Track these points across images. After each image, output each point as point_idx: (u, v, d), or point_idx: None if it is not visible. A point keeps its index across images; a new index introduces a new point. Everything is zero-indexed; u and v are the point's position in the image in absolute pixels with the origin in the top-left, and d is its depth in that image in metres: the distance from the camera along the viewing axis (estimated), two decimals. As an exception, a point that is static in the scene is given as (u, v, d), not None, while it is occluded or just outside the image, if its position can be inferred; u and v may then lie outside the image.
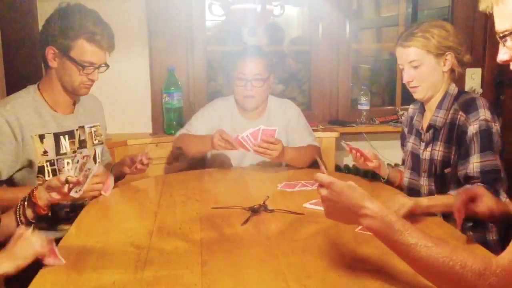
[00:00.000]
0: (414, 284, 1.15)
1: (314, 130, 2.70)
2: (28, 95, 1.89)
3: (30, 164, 1.84)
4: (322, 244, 1.44)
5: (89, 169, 1.50)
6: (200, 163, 2.61)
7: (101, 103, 2.19)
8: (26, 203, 1.47)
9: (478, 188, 1.50)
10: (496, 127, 1.74)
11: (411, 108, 2.11)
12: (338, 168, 3.00)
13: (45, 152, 1.86)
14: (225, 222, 1.62)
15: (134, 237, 1.49)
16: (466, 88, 3.04)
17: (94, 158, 2.05)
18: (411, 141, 2.02)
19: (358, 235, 1.48)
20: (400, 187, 2.04)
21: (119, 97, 2.86)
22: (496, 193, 1.64)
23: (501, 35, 1.00)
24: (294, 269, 1.27)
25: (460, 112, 1.79)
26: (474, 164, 1.72)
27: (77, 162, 1.48)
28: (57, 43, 1.84)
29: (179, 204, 1.83)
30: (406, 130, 2.11)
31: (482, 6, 1.03)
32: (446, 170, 1.83)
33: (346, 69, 3.18)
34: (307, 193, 1.94)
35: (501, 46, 1.03)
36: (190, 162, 2.68)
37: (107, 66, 1.93)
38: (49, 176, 1.84)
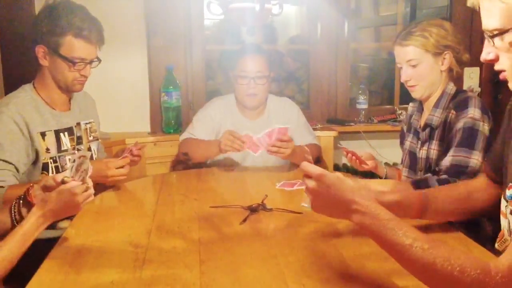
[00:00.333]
0: (413, 283, 1.15)
1: (313, 129, 2.70)
2: (26, 94, 1.89)
3: (35, 161, 1.84)
4: (320, 243, 1.43)
5: (86, 169, 1.50)
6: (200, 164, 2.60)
7: (93, 100, 2.20)
8: (21, 201, 1.47)
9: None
10: (483, 126, 1.74)
11: (410, 106, 2.11)
12: (336, 167, 3.00)
13: (47, 149, 1.86)
14: (224, 221, 1.62)
15: (133, 236, 1.49)
16: (465, 87, 3.05)
17: (91, 157, 2.05)
18: (409, 140, 2.02)
19: (355, 235, 1.48)
20: None
21: (117, 96, 2.86)
22: None
23: (489, 33, 0.99)
24: (293, 268, 1.27)
25: (452, 110, 1.80)
26: (447, 157, 1.73)
27: (74, 161, 1.48)
28: (46, 41, 1.84)
29: (178, 203, 1.83)
30: (405, 128, 2.11)
31: (469, 2, 1.02)
32: (437, 168, 1.83)
33: (345, 68, 3.18)
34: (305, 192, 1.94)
35: (486, 43, 1.02)
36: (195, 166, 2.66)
37: (99, 60, 1.92)
38: (53, 173, 1.84)
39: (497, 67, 1.04)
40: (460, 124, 1.74)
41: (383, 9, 4.61)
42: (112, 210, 1.78)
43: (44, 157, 1.85)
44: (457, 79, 1.97)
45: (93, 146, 2.08)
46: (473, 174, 1.69)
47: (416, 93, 1.89)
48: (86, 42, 1.86)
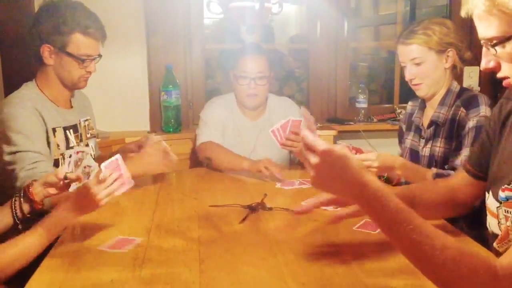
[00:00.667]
0: (412, 283, 1.16)
1: (313, 128, 2.69)
2: (31, 91, 1.88)
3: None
4: (320, 242, 1.44)
5: (89, 166, 1.50)
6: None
7: (88, 97, 2.20)
8: (22, 198, 1.47)
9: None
10: None
11: (409, 105, 2.11)
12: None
13: (57, 146, 1.87)
14: (223, 220, 1.62)
15: (132, 235, 1.49)
16: (464, 86, 3.05)
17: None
18: (409, 138, 2.02)
19: (356, 233, 1.48)
20: (398, 185, 2.04)
21: (117, 95, 2.86)
22: None
23: (489, 42, 0.98)
24: (292, 267, 1.27)
25: (462, 108, 1.80)
26: (463, 156, 1.73)
27: (70, 157, 1.48)
28: (52, 40, 1.84)
29: (177, 202, 1.83)
30: (404, 127, 2.11)
31: (464, 11, 1.01)
32: (446, 167, 1.83)
33: (344, 67, 3.18)
34: (305, 191, 1.94)
35: (485, 51, 1.01)
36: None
37: (100, 56, 1.93)
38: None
39: (500, 75, 1.03)
40: (472, 123, 1.75)
41: (383, 8, 4.61)
42: (111, 209, 1.78)
43: (55, 153, 1.85)
44: (457, 79, 1.97)
45: (91, 143, 2.09)
46: None
47: (421, 92, 1.89)
48: (93, 39, 1.87)
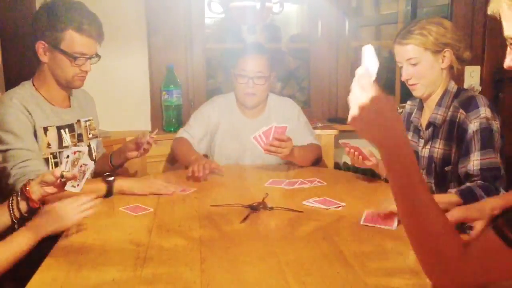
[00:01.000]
0: (414, 282, 1.16)
1: (313, 128, 2.70)
2: (26, 90, 1.89)
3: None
4: (321, 241, 1.44)
5: (85, 164, 1.51)
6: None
7: (92, 98, 2.20)
8: (19, 197, 1.47)
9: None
10: (496, 124, 1.75)
11: (408, 104, 2.11)
12: (336, 166, 3.00)
13: (48, 145, 1.87)
14: (224, 220, 1.62)
15: (134, 235, 1.50)
16: (465, 86, 3.04)
17: (90, 153, 2.05)
18: (409, 138, 2.02)
19: (357, 233, 1.48)
20: None
21: (118, 95, 2.86)
22: (496, 191, 1.65)
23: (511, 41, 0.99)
24: (293, 266, 1.27)
25: (461, 110, 1.80)
26: (475, 161, 1.72)
27: (67, 157, 1.49)
28: (46, 36, 1.84)
29: (178, 202, 1.83)
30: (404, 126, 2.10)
31: (490, 10, 1.01)
32: (447, 168, 1.83)
33: (345, 66, 3.18)
34: (306, 191, 1.94)
35: (509, 51, 1.01)
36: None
37: (99, 56, 1.92)
38: (52, 168, 1.85)
39: None
40: (475, 126, 1.74)
41: (384, 8, 4.60)
42: (113, 208, 1.78)
43: (44, 152, 1.85)
44: (458, 78, 1.97)
45: (93, 144, 2.09)
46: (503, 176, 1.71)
47: (417, 92, 1.89)
48: (87, 37, 1.86)
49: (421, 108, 1.97)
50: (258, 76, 2.39)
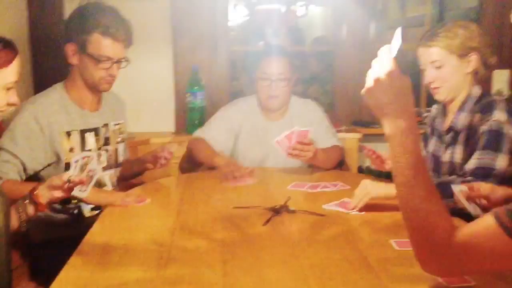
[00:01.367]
0: (438, 288, 1.14)
1: (337, 131, 2.68)
2: (55, 94, 1.92)
3: (57, 160, 1.87)
4: (343, 246, 1.43)
5: (93, 169, 1.52)
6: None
7: (123, 102, 2.22)
8: (27, 200, 1.49)
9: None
10: (510, 129, 1.70)
11: (434, 108, 2.07)
12: (360, 170, 2.98)
13: (71, 149, 1.89)
14: (247, 222, 1.62)
15: (157, 235, 1.51)
16: (493, 90, 2.99)
17: (116, 156, 2.07)
18: (433, 142, 1.99)
19: (381, 238, 1.46)
20: None
21: (143, 96, 2.89)
22: None
23: None
24: (316, 270, 1.26)
25: (478, 114, 1.76)
26: (472, 160, 1.70)
27: (76, 161, 1.50)
28: (75, 39, 1.87)
29: (201, 203, 1.84)
30: (428, 130, 2.08)
31: None
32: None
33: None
34: (328, 194, 1.93)
35: None
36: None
37: (127, 61, 1.94)
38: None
39: None
40: (484, 127, 1.71)
41: (410, 10, 4.55)
42: (136, 209, 1.80)
43: (66, 157, 1.87)
44: (486, 82, 1.93)
45: (120, 148, 2.11)
46: (499, 177, 1.66)
47: (439, 96, 1.85)
48: (113, 40, 1.87)
49: (444, 112, 1.94)
50: (280, 79, 2.39)
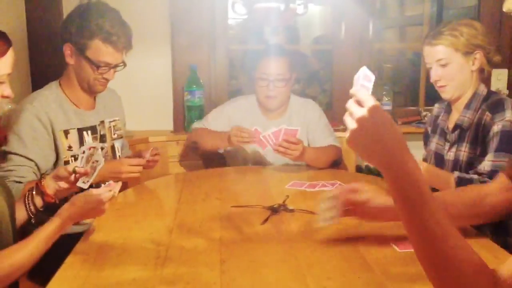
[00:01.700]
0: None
1: (336, 130, 2.68)
2: (51, 92, 1.91)
3: (57, 159, 1.87)
4: (342, 245, 1.42)
5: (97, 161, 1.53)
6: (219, 162, 2.61)
7: (119, 97, 2.21)
8: (34, 192, 1.50)
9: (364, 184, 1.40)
10: None
11: (436, 107, 2.08)
12: (359, 169, 2.98)
13: (69, 147, 1.89)
14: (245, 221, 1.62)
15: (154, 234, 1.50)
16: (492, 89, 2.98)
17: (114, 153, 2.07)
18: (435, 141, 1.99)
19: (379, 237, 1.46)
20: None
21: (141, 94, 2.88)
22: None
23: None
24: (314, 269, 1.26)
25: (487, 112, 1.76)
26: (487, 162, 1.69)
27: (83, 153, 1.51)
28: (74, 41, 1.85)
29: (199, 202, 1.84)
30: (430, 129, 2.08)
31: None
32: (471, 172, 1.80)
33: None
34: (327, 193, 1.92)
35: None
36: (204, 158, 2.69)
37: (124, 65, 1.93)
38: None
39: None
40: (497, 128, 1.71)
41: (409, 9, 4.55)
42: (134, 208, 1.80)
43: (65, 155, 1.87)
44: (484, 81, 1.93)
45: (117, 144, 2.10)
46: None
47: (446, 94, 1.86)
48: (113, 48, 1.86)
49: (448, 110, 1.94)
50: (278, 79, 2.39)
